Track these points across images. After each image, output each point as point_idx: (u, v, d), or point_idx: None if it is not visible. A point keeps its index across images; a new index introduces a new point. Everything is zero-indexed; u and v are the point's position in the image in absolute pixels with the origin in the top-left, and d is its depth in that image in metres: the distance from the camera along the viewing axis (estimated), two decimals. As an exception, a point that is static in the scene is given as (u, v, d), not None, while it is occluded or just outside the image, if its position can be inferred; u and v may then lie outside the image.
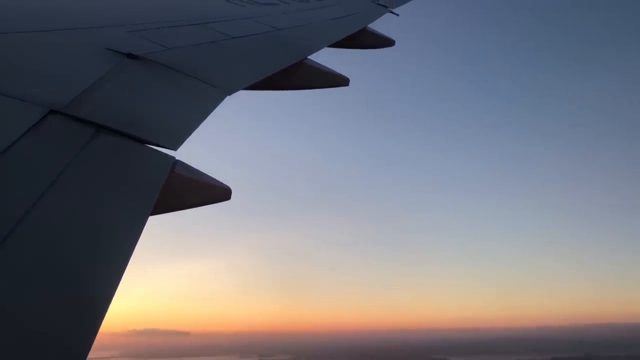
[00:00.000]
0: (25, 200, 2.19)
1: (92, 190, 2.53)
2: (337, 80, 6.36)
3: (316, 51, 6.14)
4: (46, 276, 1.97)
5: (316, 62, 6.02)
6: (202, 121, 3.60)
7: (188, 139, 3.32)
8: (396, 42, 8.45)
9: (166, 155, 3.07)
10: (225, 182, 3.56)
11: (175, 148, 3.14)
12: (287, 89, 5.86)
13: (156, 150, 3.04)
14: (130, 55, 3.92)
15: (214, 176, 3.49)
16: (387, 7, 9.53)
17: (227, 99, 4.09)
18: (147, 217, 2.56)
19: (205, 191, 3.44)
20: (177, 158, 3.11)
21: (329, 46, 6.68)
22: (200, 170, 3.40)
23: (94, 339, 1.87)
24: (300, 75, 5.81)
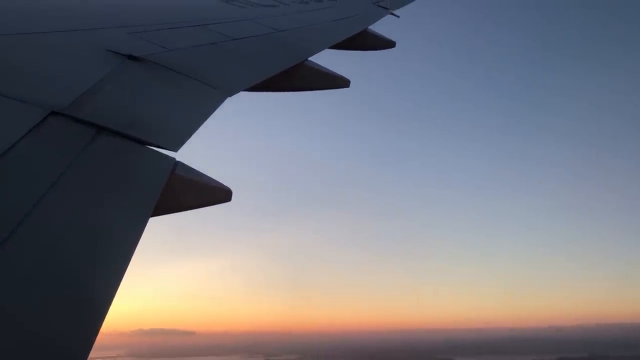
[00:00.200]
0: (27, 202, 2.19)
1: (93, 192, 2.54)
2: (337, 82, 6.36)
3: (317, 53, 6.14)
4: (47, 277, 1.98)
5: (317, 64, 6.02)
6: (203, 122, 3.61)
7: (189, 140, 3.32)
8: (397, 44, 8.44)
9: (167, 156, 3.08)
10: (225, 184, 3.57)
11: (175, 149, 3.15)
12: (288, 91, 5.86)
13: (157, 151, 3.05)
14: (130, 57, 3.93)
15: (214, 177, 3.50)
16: (387, 8, 9.53)
17: (228, 100, 4.09)
18: (148, 219, 2.56)
19: (206, 192, 3.44)
20: (177, 159, 3.12)
21: (330, 48, 6.68)
22: (201, 171, 3.40)
23: (95, 339, 1.87)
24: (300, 77, 5.81)
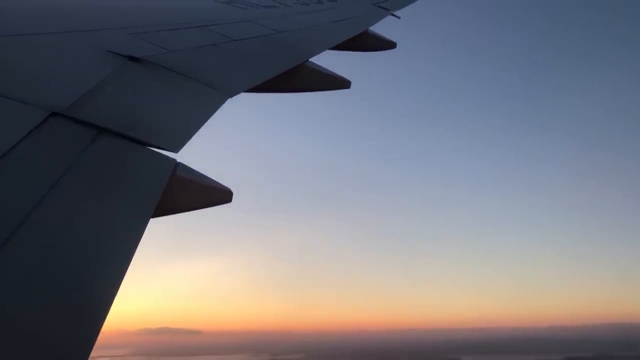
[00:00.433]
0: (27, 203, 2.19)
1: (94, 192, 2.54)
2: (338, 83, 6.36)
3: (317, 54, 6.15)
4: (48, 278, 1.98)
5: (317, 65, 6.02)
6: (203, 123, 3.61)
7: (189, 142, 3.33)
8: (397, 45, 8.45)
9: (167, 157, 3.08)
10: (226, 185, 3.57)
11: (176, 150, 3.16)
12: (289, 92, 5.86)
13: (157, 152, 3.05)
14: (131, 58, 3.94)
15: (215, 178, 3.51)
16: (388, 9, 9.53)
17: (228, 101, 4.10)
18: (149, 220, 2.57)
19: (207, 193, 3.45)
20: (178, 160, 3.12)
21: (330, 49, 6.68)
22: (202, 172, 3.41)
23: (96, 339, 1.87)
24: (301, 78, 5.82)
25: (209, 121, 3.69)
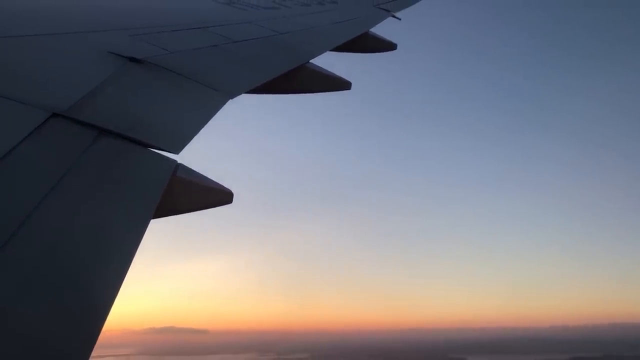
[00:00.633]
0: (28, 203, 2.19)
1: (94, 193, 2.54)
2: (339, 84, 6.36)
3: (318, 55, 6.15)
4: (49, 279, 1.98)
5: (318, 66, 6.02)
6: (204, 125, 3.61)
7: (190, 143, 3.33)
8: (398, 46, 8.45)
9: (168, 158, 3.08)
10: (227, 186, 3.57)
11: (177, 152, 3.16)
12: (289, 93, 5.86)
13: (158, 153, 3.05)
14: (132, 59, 3.94)
15: (216, 180, 3.51)
16: (389, 11, 9.53)
17: (229, 102, 4.10)
18: (149, 220, 2.57)
19: (207, 195, 3.44)
20: (178, 161, 3.12)
21: (331, 50, 6.69)
22: (202, 173, 3.41)
23: (97, 339, 1.87)
24: (302, 79, 5.82)
25: (209, 122, 3.69)
